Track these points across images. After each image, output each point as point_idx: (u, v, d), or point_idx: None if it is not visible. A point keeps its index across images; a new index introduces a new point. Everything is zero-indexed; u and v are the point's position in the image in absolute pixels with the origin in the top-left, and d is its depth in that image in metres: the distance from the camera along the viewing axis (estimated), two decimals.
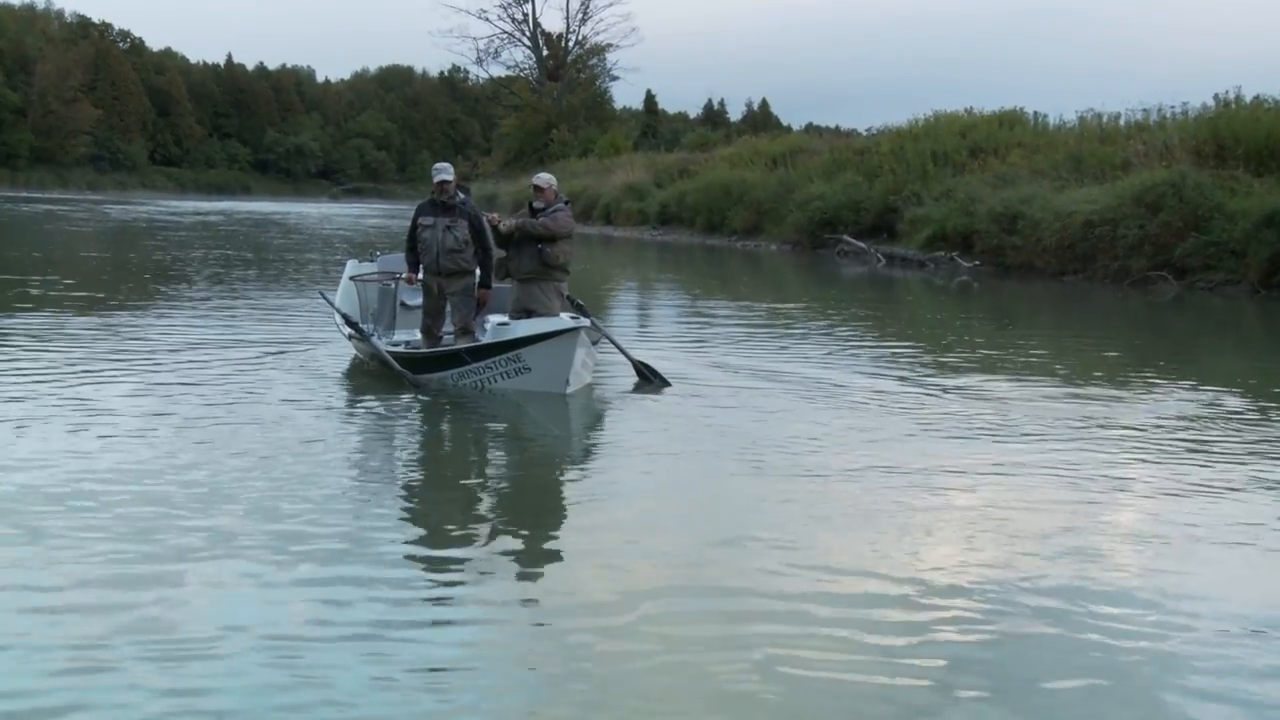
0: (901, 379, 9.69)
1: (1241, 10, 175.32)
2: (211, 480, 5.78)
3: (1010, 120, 30.23)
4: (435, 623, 4.13)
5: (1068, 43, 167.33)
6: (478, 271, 9.28)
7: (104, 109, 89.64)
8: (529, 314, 8.88)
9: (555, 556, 5.10)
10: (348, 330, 9.65)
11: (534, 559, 4.96)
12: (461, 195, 9.46)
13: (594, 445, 7.52)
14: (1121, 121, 26.43)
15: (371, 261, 11.17)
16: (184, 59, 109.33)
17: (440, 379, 8.70)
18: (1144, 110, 25.81)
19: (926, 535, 5.22)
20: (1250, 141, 20.48)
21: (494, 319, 8.98)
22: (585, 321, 8.52)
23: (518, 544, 5.13)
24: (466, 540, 5.19)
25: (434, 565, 4.78)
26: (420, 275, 9.38)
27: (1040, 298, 19.63)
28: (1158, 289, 18.88)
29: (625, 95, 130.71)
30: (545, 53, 70.05)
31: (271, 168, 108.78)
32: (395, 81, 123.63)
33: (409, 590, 4.45)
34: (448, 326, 9.49)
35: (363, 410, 8.07)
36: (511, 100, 71.30)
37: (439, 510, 5.71)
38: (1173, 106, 24.82)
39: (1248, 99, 22.87)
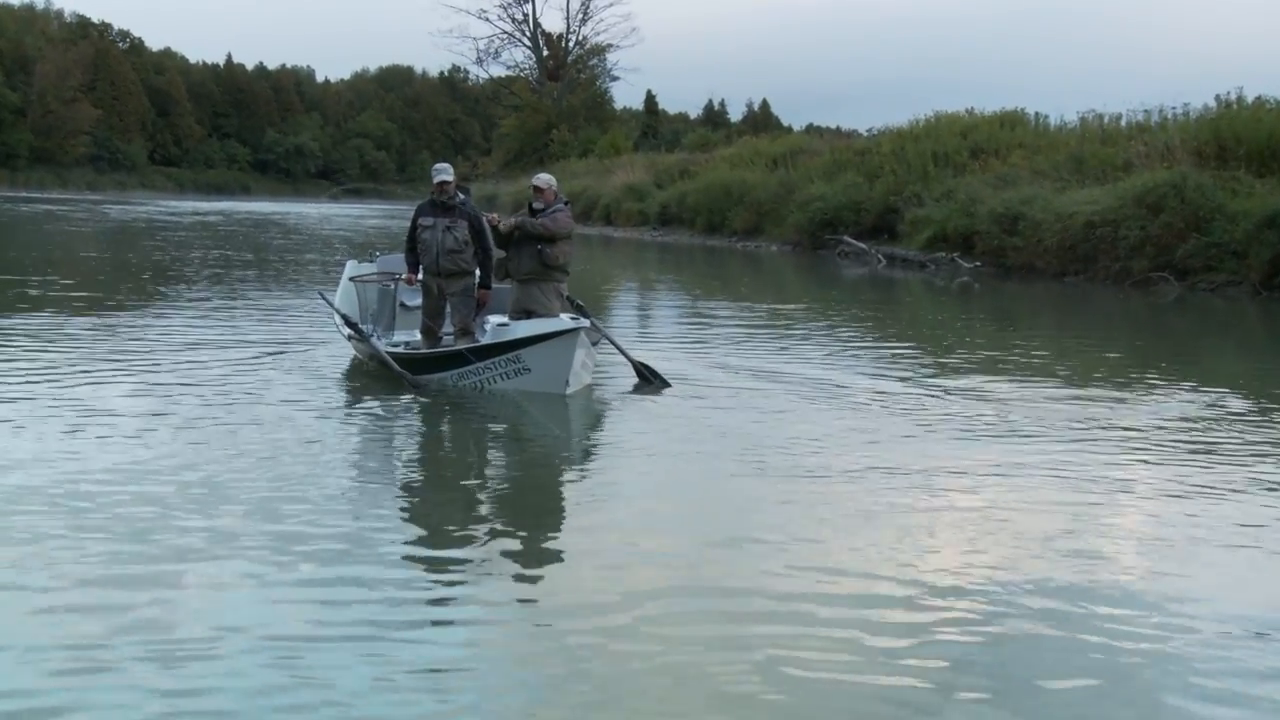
0: (902, 380, 9.68)
1: (1242, 11, 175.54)
2: (211, 480, 5.78)
3: (1011, 121, 30.23)
4: (435, 623, 4.13)
5: (1068, 43, 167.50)
6: (477, 272, 9.28)
7: (103, 109, 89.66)
8: (529, 315, 8.87)
9: (555, 557, 5.10)
10: (347, 331, 9.65)
11: (534, 559, 4.96)
12: (461, 196, 9.45)
13: (594, 446, 7.52)
14: (1123, 122, 26.44)
15: (371, 262, 11.16)
16: (184, 59, 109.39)
17: (440, 379, 8.70)
18: (1145, 111, 25.85)
19: (927, 536, 5.21)
20: (1252, 142, 20.49)
21: (494, 319, 8.99)
22: (585, 322, 8.53)
23: (518, 544, 5.12)
24: (466, 540, 5.18)
25: (434, 565, 4.78)
26: (420, 276, 9.37)
27: (1041, 299, 19.62)
28: (1159, 290, 18.88)
29: (625, 95, 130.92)
30: (545, 53, 70.08)
31: (271, 168, 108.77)
32: (395, 81, 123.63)
33: (409, 590, 4.45)
34: (447, 327, 9.49)
35: (362, 411, 8.07)
36: (511, 100, 71.34)
37: (439, 510, 5.71)
38: (1174, 107, 24.87)
39: (1249, 100, 22.93)
